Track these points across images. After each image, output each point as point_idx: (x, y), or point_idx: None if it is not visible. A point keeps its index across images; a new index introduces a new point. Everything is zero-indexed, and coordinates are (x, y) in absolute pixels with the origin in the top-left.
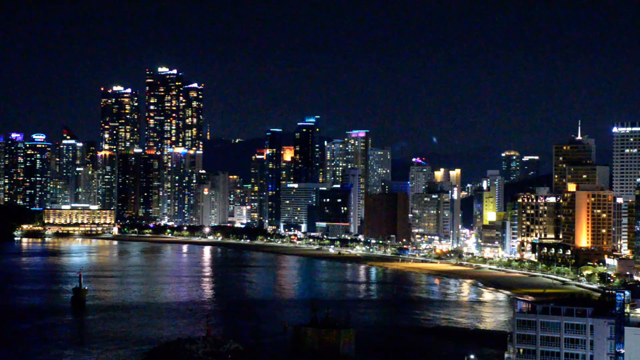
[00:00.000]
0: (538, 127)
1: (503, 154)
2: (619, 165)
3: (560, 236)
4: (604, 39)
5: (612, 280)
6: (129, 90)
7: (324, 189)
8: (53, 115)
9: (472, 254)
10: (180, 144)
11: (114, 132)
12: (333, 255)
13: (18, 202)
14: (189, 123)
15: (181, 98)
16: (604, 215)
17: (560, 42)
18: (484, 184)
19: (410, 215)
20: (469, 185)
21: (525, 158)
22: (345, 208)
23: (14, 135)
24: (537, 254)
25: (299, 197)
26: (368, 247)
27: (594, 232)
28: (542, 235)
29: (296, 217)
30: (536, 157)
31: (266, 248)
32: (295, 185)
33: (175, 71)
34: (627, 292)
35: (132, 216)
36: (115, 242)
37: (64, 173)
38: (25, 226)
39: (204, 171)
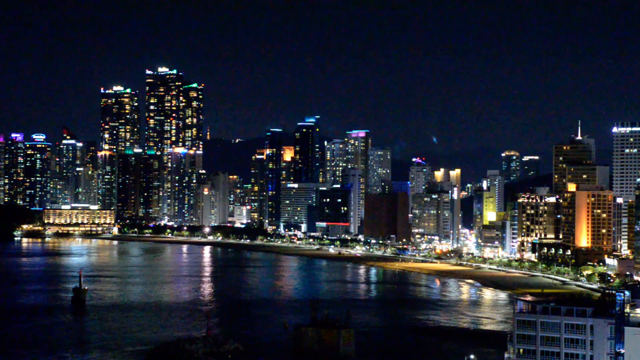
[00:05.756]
0: (538, 127)
1: (503, 154)
2: (619, 165)
3: (560, 236)
4: (604, 39)
5: (612, 280)
6: (129, 90)
7: (324, 189)
8: (53, 115)
9: (472, 254)
10: (180, 144)
11: (114, 132)
12: (333, 255)
13: (18, 202)
14: (189, 123)
15: (181, 98)
16: (604, 215)
17: (560, 42)
18: (484, 184)
19: (410, 215)
20: (469, 185)
21: (525, 158)
22: (345, 208)
23: (14, 135)
24: (537, 254)
25: (299, 197)
26: (368, 247)
27: (594, 232)
28: (542, 235)
29: (296, 217)
30: (536, 157)
31: (266, 248)
32: (295, 185)
33: (175, 71)
34: (627, 292)
35: (132, 216)
36: (115, 242)
37: (64, 173)
38: (25, 226)
39: (204, 171)
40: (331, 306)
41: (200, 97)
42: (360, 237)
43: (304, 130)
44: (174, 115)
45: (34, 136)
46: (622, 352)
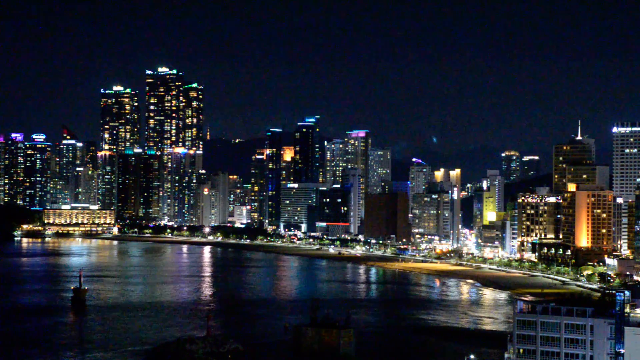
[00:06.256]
0: (538, 127)
1: (503, 154)
2: (619, 165)
3: (560, 236)
4: (604, 39)
5: (612, 280)
6: (129, 90)
7: (324, 189)
8: (53, 115)
9: (472, 254)
10: (180, 144)
11: (114, 132)
12: (333, 255)
13: (18, 202)
14: (189, 123)
15: (181, 98)
16: (604, 215)
17: (560, 42)
18: (484, 184)
19: (410, 215)
20: (469, 185)
21: (525, 158)
22: (345, 208)
23: (14, 135)
24: (537, 254)
25: (299, 197)
26: (368, 247)
27: (594, 232)
28: (542, 235)
29: (296, 217)
30: (536, 157)
31: (266, 248)
32: (295, 185)
33: (175, 71)
34: (627, 292)
35: (132, 216)
36: (115, 242)
37: (64, 173)
38: (25, 226)
39: (204, 171)
40: (331, 306)
41: (200, 97)
42: (360, 237)
43: (304, 130)
44: (174, 115)
45: (34, 136)
46: (622, 352)
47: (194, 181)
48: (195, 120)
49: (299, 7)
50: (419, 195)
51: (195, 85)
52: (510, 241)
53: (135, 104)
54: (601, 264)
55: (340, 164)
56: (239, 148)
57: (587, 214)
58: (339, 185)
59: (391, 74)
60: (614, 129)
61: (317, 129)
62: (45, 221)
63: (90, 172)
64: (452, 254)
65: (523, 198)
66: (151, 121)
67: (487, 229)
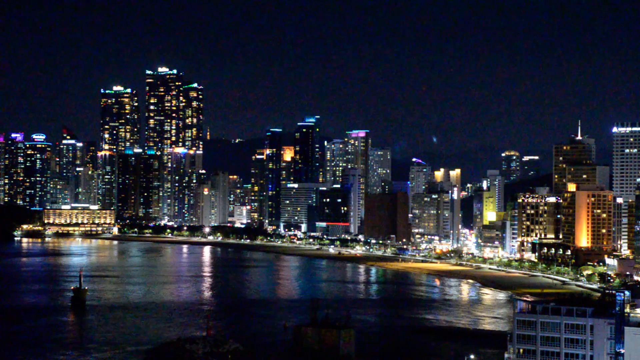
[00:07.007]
0: (538, 127)
1: (503, 154)
2: (619, 165)
3: (560, 236)
4: (604, 39)
5: (612, 280)
6: (129, 90)
7: (324, 189)
8: (53, 115)
9: (472, 254)
10: (180, 144)
11: (114, 132)
12: (333, 255)
13: (18, 202)
14: (189, 123)
15: (181, 98)
16: (604, 215)
17: (560, 42)
18: (484, 184)
19: (410, 215)
20: (469, 185)
21: (525, 158)
22: (345, 208)
23: (14, 135)
24: (537, 254)
25: (299, 197)
26: (368, 247)
27: (594, 232)
28: (542, 235)
29: (296, 217)
30: (536, 157)
31: (266, 248)
32: (295, 185)
33: (175, 71)
34: (627, 292)
35: (132, 216)
36: (115, 242)
37: (64, 173)
38: (25, 226)
39: (204, 171)
40: (331, 306)
41: (200, 97)
42: (360, 237)
43: (304, 130)
44: (174, 115)
45: (34, 136)
46: (622, 352)
47: (194, 181)
48: (195, 120)
49: (299, 8)
50: (419, 195)
51: (195, 85)
52: (510, 241)
53: (135, 104)
54: (601, 264)
55: (340, 164)
56: (239, 148)
57: (587, 214)
58: (339, 185)
59: (391, 74)
60: (614, 129)
61: (317, 129)
62: (45, 221)
63: (90, 172)
64: (452, 254)
65: (523, 198)
66: (151, 121)
67: (487, 229)
